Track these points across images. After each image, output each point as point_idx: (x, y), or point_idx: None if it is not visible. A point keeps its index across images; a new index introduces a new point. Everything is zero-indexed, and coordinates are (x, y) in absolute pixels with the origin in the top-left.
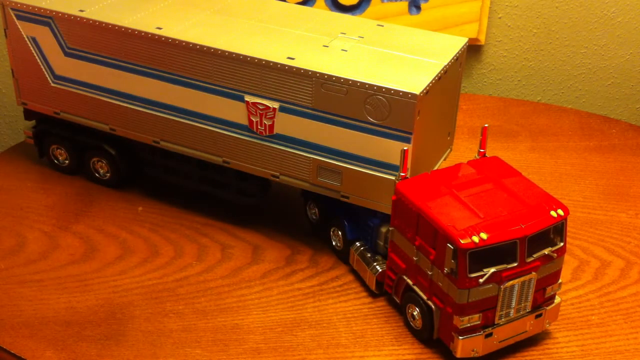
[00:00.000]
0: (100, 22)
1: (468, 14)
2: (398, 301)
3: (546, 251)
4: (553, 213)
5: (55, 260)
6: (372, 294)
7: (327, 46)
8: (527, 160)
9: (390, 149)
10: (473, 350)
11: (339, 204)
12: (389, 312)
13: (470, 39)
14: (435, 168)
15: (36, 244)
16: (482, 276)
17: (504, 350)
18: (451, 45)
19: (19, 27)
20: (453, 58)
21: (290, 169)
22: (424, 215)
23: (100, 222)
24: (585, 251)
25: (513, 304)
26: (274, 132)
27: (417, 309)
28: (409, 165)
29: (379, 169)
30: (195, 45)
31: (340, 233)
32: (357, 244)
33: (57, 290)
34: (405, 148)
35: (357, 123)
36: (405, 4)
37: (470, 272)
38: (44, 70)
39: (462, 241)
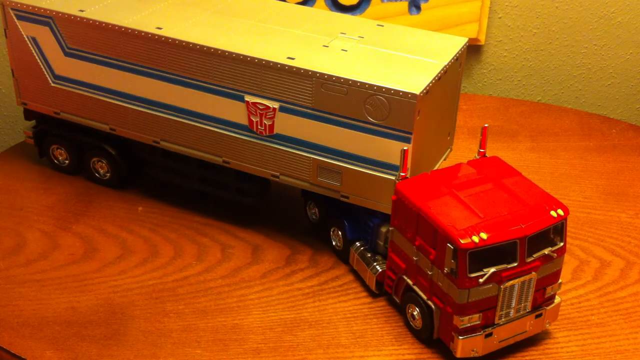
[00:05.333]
0: (100, 22)
1: (468, 14)
2: (398, 301)
3: (546, 251)
4: (553, 213)
5: (55, 260)
6: (372, 294)
7: (327, 46)
8: (527, 160)
9: (390, 149)
10: (473, 350)
11: (339, 204)
12: (389, 312)
13: (470, 39)
14: (435, 168)
15: (36, 244)
16: (482, 276)
17: (504, 350)
18: (451, 45)
19: (19, 27)
20: (453, 58)
21: (290, 169)
22: (424, 215)
23: (100, 222)
24: (585, 251)
25: (513, 304)
26: (274, 132)
27: (417, 309)
28: (409, 165)
29: (379, 169)
30: (195, 45)
31: (340, 233)
32: (357, 244)
33: (57, 290)
34: (405, 148)
35: (357, 123)
36: (405, 4)
37: (470, 272)
38: (44, 70)
39: (462, 241)
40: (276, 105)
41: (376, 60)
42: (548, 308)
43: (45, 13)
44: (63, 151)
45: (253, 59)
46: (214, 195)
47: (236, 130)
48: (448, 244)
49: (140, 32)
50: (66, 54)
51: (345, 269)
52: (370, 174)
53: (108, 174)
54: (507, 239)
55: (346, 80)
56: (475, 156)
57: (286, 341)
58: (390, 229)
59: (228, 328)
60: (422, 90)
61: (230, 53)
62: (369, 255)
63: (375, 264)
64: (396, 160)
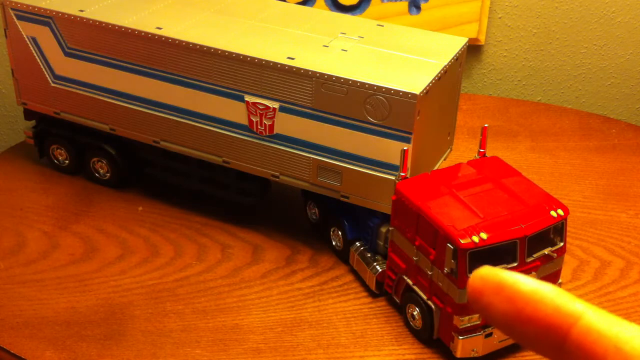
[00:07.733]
0: (100, 22)
1: (468, 14)
2: (398, 301)
3: (546, 251)
4: (553, 213)
5: (55, 260)
6: (372, 294)
7: (327, 46)
8: (527, 160)
9: (390, 149)
10: (473, 350)
11: (339, 203)
12: (389, 312)
13: (470, 39)
14: (435, 168)
15: (36, 244)
16: None
17: (504, 350)
18: (451, 45)
19: (19, 27)
20: (453, 58)
21: (290, 169)
22: (424, 215)
23: (100, 222)
24: (585, 251)
25: None
26: (274, 132)
27: (417, 309)
28: (409, 165)
29: (379, 169)
30: (195, 45)
31: (340, 233)
32: (357, 244)
33: (57, 290)
34: (405, 148)
35: (357, 123)
36: (405, 4)
37: (470, 272)
38: (44, 70)
39: (462, 241)
40: (276, 105)
41: (376, 60)
42: None
43: (45, 13)
44: (63, 151)
45: (253, 59)
46: (214, 195)
47: (236, 130)
48: (448, 244)
49: (140, 32)
50: (66, 54)
51: (345, 269)
52: (370, 174)
53: (108, 174)
54: (507, 239)
55: (346, 80)
56: (475, 156)
57: (286, 341)
58: (390, 229)
59: (228, 328)
60: (422, 90)
61: (230, 53)
62: (369, 255)
63: (375, 264)
64: (396, 160)
